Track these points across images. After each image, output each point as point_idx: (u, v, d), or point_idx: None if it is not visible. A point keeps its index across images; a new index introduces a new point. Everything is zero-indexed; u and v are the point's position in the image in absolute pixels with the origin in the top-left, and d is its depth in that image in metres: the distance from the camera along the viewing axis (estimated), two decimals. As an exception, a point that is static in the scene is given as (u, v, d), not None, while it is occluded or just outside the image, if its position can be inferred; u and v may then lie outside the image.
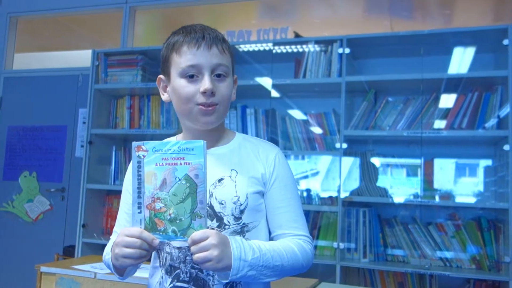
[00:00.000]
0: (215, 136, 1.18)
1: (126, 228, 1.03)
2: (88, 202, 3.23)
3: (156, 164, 0.99)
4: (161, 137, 3.38)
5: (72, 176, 3.77)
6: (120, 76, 3.34)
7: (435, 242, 2.67)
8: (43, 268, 2.09)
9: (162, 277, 1.14)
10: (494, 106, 2.62)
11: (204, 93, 1.09)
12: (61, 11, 4.12)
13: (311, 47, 2.95)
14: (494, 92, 2.64)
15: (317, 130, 2.99)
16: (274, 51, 3.07)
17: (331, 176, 3.01)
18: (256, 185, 1.15)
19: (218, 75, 1.12)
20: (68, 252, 3.39)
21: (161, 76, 1.21)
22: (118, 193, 3.34)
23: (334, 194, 2.88)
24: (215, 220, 1.10)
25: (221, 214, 1.11)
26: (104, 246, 3.59)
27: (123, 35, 3.84)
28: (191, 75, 1.11)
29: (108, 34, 4.24)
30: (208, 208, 1.09)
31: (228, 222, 1.11)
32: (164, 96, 1.21)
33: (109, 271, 2.02)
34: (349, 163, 2.92)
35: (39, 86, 3.99)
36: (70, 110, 3.86)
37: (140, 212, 1.00)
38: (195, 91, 1.10)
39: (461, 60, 2.83)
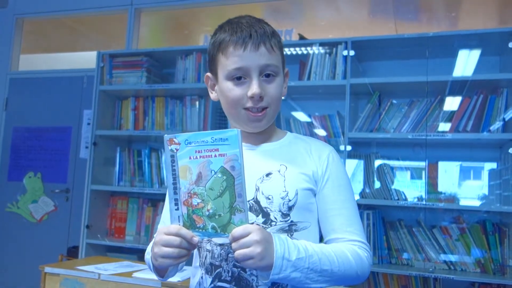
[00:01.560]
0: (265, 135, 1.14)
1: (164, 226, 0.98)
2: (92, 203, 3.24)
3: (190, 158, 0.94)
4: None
5: (77, 177, 3.78)
6: (125, 77, 3.34)
7: (440, 245, 2.65)
8: (48, 269, 2.10)
9: (202, 277, 1.08)
10: (500, 109, 2.61)
11: (252, 97, 1.04)
12: (67, 12, 4.14)
13: (315, 49, 2.95)
14: (500, 95, 2.63)
15: (321, 132, 2.98)
16: (278, 53, 3.06)
17: (335, 178, 3.00)
18: (307, 182, 1.08)
19: (267, 75, 1.06)
20: (72, 253, 3.40)
21: (209, 74, 1.15)
22: (122, 194, 3.37)
23: (338, 197, 2.86)
24: (261, 215, 1.04)
25: (268, 209, 1.04)
26: (108, 247, 3.59)
27: (128, 36, 3.85)
28: (239, 77, 1.05)
29: (113, 36, 4.25)
30: (253, 203, 1.05)
31: (275, 218, 1.04)
32: (212, 95, 1.16)
33: (113, 272, 2.03)
34: (353, 165, 2.91)
35: (44, 87, 4.01)
36: (75, 111, 3.87)
37: (177, 209, 0.96)
38: (243, 95, 1.05)
39: (466, 63, 2.82)
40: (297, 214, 1.05)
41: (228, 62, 1.05)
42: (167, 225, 0.97)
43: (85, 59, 3.94)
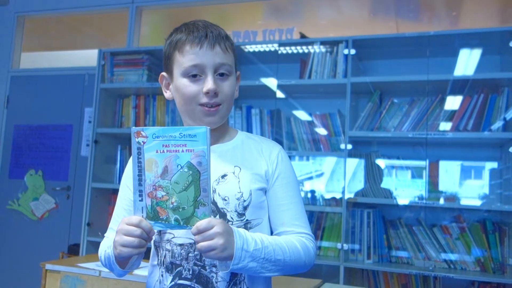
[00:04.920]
0: (217, 134, 1.18)
1: (127, 216, 1.02)
2: (93, 200, 3.25)
3: (157, 151, 0.96)
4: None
5: (78, 175, 3.79)
6: (126, 75, 3.35)
7: (440, 244, 2.66)
8: (48, 266, 2.10)
9: (162, 275, 1.12)
10: (500, 108, 2.61)
11: (207, 93, 1.08)
12: (68, 10, 4.14)
13: (316, 48, 2.95)
14: (500, 94, 2.63)
15: (322, 131, 2.99)
16: (279, 52, 3.07)
17: (336, 177, 3.01)
18: (260, 182, 1.14)
19: (221, 74, 1.11)
20: (73, 250, 3.41)
21: (164, 73, 1.19)
22: (123, 192, 3.36)
23: (339, 195, 2.87)
24: (218, 216, 1.09)
25: (224, 210, 1.10)
26: (108, 244, 3.51)
27: (129, 34, 3.86)
28: (194, 75, 1.10)
29: (115, 34, 4.26)
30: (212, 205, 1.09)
31: (232, 218, 1.10)
32: (167, 94, 1.20)
33: (114, 270, 2.03)
34: (354, 164, 2.91)
35: (45, 85, 4.01)
36: (76, 109, 3.88)
37: (141, 200, 0.98)
38: (198, 91, 1.09)
39: (467, 62, 2.82)
40: (251, 212, 1.12)
41: (185, 59, 1.10)
42: (130, 216, 1.00)
43: (86, 57, 3.94)
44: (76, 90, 3.90)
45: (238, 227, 1.08)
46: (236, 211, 1.10)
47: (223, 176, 1.12)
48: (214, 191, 1.11)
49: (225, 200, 1.10)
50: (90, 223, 3.21)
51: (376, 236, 2.74)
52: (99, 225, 3.29)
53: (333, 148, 2.92)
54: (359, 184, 2.89)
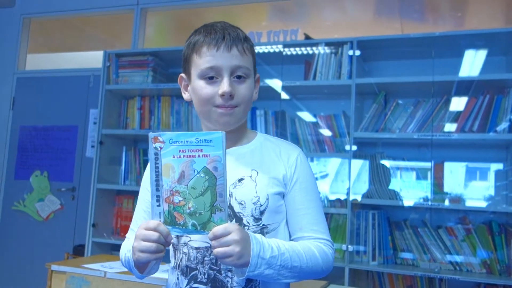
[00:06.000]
0: (235, 136, 1.16)
1: (145, 221, 1.01)
2: (98, 202, 3.26)
3: (174, 156, 0.96)
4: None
5: (83, 176, 3.80)
6: (131, 77, 3.36)
7: (445, 246, 2.65)
8: (54, 267, 2.11)
9: (178, 278, 1.12)
10: (506, 109, 2.60)
11: (222, 95, 1.08)
12: (73, 12, 4.16)
13: (321, 49, 2.95)
14: (506, 95, 2.62)
15: (326, 132, 2.98)
16: (284, 53, 3.07)
17: (341, 178, 3.01)
18: (277, 186, 1.12)
19: (238, 77, 1.10)
20: (78, 251, 3.42)
21: (183, 75, 1.19)
22: (128, 193, 3.38)
23: (343, 197, 2.87)
24: (234, 220, 1.08)
25: (241, 214, 1.09)
26: (113, 245, 3.58)
27: (134, 36, 3.87)
28: (211, 77, 1.09)
29: (119, 35, 4.27)
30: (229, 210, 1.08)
31: (248, 223, 1.09)
32: (185, 95, 1.20)
33: (119, 270, 2.04)
34: (359, 165, 2.91)
35: (51, 87, 4.03)
36: (81, 110, 3.89)
37: (159, 205, 0.98)
38: (214, 93, 1.09)
39: (472, 63, 2.81)
40: (268, 217, 1.10)
41: (201, 61, 1.09)
42: (147, 221, 1.00)
43: (91, 59, 3.96)
44: (81, 92, 3.92)
45: (254, 231, 1.07)
46: (252, 215, 1.09)
47: (240, 180, 1.11)
48: (231, 195, 1.10)
49: (242, 204, 1.09)
50: (95, 224, 3.22)
51: (381, 237, 2.73)
52: (104, 226, 3.30)
53: (338, 149, 2.92)
54: (364, 186, 2.88)
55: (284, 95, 3.05)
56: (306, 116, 3.11)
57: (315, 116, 3.06)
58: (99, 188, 3.26)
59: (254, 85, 1.16)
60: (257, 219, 1.09)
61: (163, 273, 1.49)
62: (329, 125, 2.98)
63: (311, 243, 1.10)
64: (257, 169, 1.12)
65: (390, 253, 2.73)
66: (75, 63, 4.17)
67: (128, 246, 1.13)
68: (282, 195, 1.14)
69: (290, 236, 1.15)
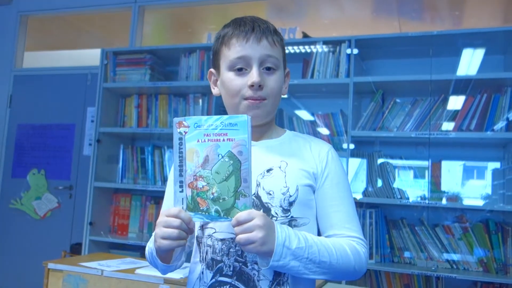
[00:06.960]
0: (264, 130, 1.15)
1: (167, 208, 0.99)
2: (95, 200, 3.25)
3: (198, 141, 0.94)
4: (169, 136, 3.36)
5: (80, 174, 3.79)
6: (129, 75, 3.35)
7: (442, 244, 2.65)
8: (51, 265, 2.11)
9: (202, 272, 1.08)
10: (503, 108, 2.60)
11: (251, 86, 1.06)
12: (71, 10, 4.15)
13: (319, 48, 2.94)
14: (504, 94, 2.62)
15: (324, 130, 2.98)
16: (282, 51, 3.06)
17: (338, 176, 3.00)
18: (307, 179, 1.09)
19: (268, 68, 1.08)
20: (75, 249, 3.42)
21: (212, 70, 1.17)
22: (125, 192, 3.38)
23: (341, 195, 2.86)
24: (261, 211, 1.02)
25: (269, 204, 1.05)
26: (111, 243, 3.57)
27: (132, 34, 3.86)
28: (240, 68, 1.07)
29: (117, 33, 4.26)
30: (254, 198, 1.05)
31: (276, 213, 1.05)
32: (215, 90, 1.17)
33: (116, 269, 2.03)
34: (356, 164, 2.91)
35: (48, 85, 4.02)
36: (79, 108, 3.89)
37: (182, 191, 0.96)
38: (243, 85, 1.07)
39: (470, 62, 2.81)
40: (298, 210, 1.06)
41: (230, 52, 1.08)
42: (169, 208, 0.98)
43: (89, 57, 3.95)
44: (78, 90, 3.91)
45: (282, 223, 1.03)
46: (281, 206, 1.05)
47: (269, 170, 1.08)
48: (259, 185, 1.06)
49: (270, 194, 1.05)
50: (93, 222, 3.21)
51: (378, 236, 2.73)
52: (102, 224, 3.29)
53: (336, 148, 2.90)
54: (362, 184, 2.88)
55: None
56: (304, 114, 3.11)
57: (313, 114, 3.06)
58: (96, 186, 3.25)
59: (283, 78, 1.14)
60: (285, 210, 1.05)
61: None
62: (327, 123, 2.98)
63: (343, 241, 1.05)
64: (287, 160, 1.09)
65: (387, 251, 2.73)
66: (73, 61, 4.16)
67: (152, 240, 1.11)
68: (313, 189, 1.10)
69: (320, 234, 1.11)
